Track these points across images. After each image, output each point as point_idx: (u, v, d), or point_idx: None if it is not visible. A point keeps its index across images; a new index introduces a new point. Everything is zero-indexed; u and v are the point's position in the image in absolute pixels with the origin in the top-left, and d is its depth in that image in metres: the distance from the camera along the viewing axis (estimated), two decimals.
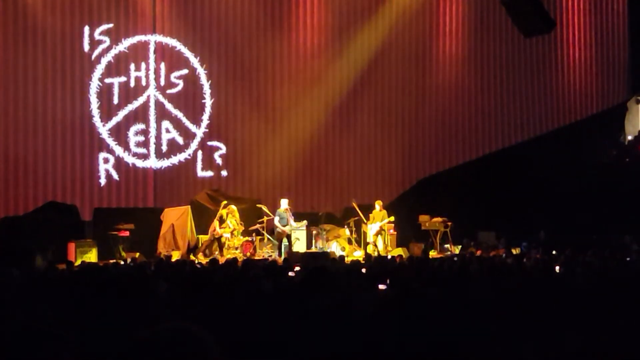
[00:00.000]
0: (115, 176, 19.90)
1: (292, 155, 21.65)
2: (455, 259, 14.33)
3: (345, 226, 19.90)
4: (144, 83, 20.24)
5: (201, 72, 20.84)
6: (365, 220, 19.19)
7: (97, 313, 5.72)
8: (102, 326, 5.10)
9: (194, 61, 20.78)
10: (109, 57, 19.90)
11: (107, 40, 19.87)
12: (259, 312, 5.78)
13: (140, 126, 20.19)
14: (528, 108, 24.37)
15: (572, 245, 15.25)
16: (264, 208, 19.06)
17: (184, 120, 20.59)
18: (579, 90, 25.17)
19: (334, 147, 22.28)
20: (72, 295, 7.06)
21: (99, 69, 19.80)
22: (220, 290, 7.16)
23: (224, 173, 21.08)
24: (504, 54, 24.11)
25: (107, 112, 19.90)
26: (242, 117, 21.32)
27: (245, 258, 15.88)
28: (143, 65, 20.25)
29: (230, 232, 18.41)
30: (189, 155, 20.68)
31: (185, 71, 20.69)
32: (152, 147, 20.26)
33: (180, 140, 20.56)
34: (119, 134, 19.98)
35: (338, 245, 19.42)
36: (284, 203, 18.71)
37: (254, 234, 19.03)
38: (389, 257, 15.45)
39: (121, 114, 20.01)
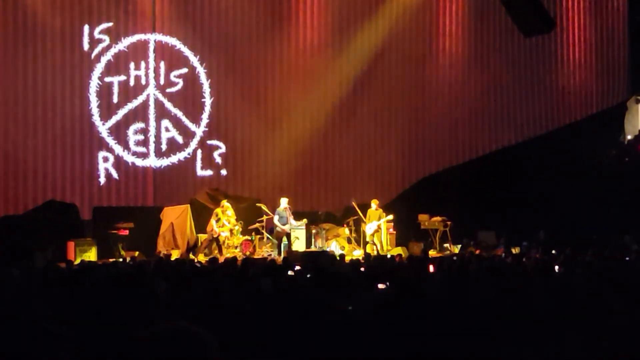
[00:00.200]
0: (115, 175, 19.89)
1: (291, 154, 21.64)
2: (455, 258, 14.34)
3: (345, 225, 19.91)
4: (143, 82, 20.23)
5: (201, 71, 20.83)
6: (365, 220, 19.19)
7: (96, 312, 5.71)
8: (101, 325, 5.09)
9: (194, 60, 20.77)
10: (108, 56, 19.89)
11: (106, 39, 19.86)
12: (259, 311, 5.77)
13: (140, 125, 20.18)
14: (528, 108, 24.36)
15: (571, 245, 15.25)
16: (264, 207, 19.06)
17: (184, 119, 20.59)
18: (579, 90, 25.16)
19: (334, 146, 22.27)
20: (71, 294, 7.06)
21: (99, 68, 19.79)
22: (220, 289, 7.16)
23: (224, 172, 21.07)
24: (503, 54, 24.09)
25: (107, 111, 19.89)
26: (242, 116, 21.31)
27: (244, 257, 15.87)
28: (143, 64, 20.24)
29: (229, 231, 18.41)
30: (189, 154, 20.67)
31: (184, 70, 20.68)
32: (152, 146, 20.25)
33: (179, 139, 20.55)
34: (119, 132, 19.97)
35: (337, 244, 19.43)
36: (284, 202, 18.71)
37: (253, 233, 19.03)
38: (389, 256, 15.44)
39: (121, 113, 19.99)
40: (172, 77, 20.53)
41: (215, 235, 18.14)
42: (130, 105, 20.07)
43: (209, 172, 20.93)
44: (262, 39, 21.52)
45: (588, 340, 4.67)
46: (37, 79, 19.23)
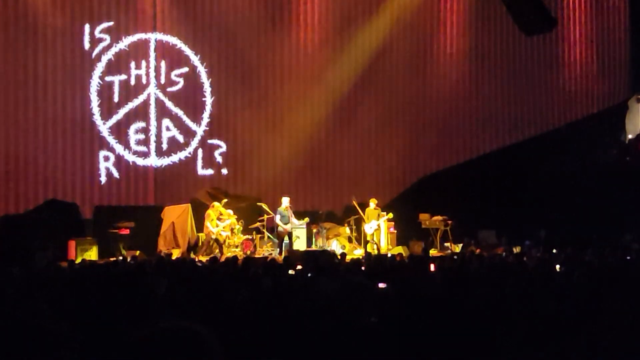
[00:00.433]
0: (116, 174, 19.90)
1: (292, 153, 21.62)
2: (455, 257, 14.35)
3: (346, 224, 19.92)
4: (144, 81, 20.23)
5: (202, 70, 20.83)
6: (365, 219, 19.20)
7: (97, 311, 5.72)
8: (102, 324, 5.10)
9: (195, 59, 20.77)
10: (109, 55, 19.89)
11: (107, 38, 19.86)
12: (259, 310, 5.78)
13: (141, 124, 20.18)
14: (529, 107, 24.34)
15: (572, 244, 15.25)
16: (264, 206, 19.06)
17: (185, 118, 20.59)
18: (580, 89, 25.14)
19: (335, 145, 22.25)
20: (72, 294, 7.06)
21: (100, 67, 19.79)
22: (221, 289, 7.16)
23: (225, 171, 21.06)
24: (505, 53, 24.08)
25: (108, 110, 19.90)
26: (243, 115, 21.30)
27: (245, 256, 15.87)
28: (143, 63, 20.25)
29: (229, 230, 18.42)
30: (190, 153, 20.67)
31: (185, 69, 20.68)
32: (153, 145, 20.26)
33: (180, 138, 20.55)
34: (120, 132, 19.97)
35: (338, 243, 19.44)
36: (285, 201, 18.70)
37: (254, 232, 19.04)
38: (389, 255, 15.44)
39: (121, 112, 20.00)
40: (172, 77, 20.53)
41: (213, 236, 18.13)
42: (131, 105, 20.07)
43: (209, 172, 20.93)
44: (263, 38, 21.51)
45: (588, 339, 4.67)
46: (37, 78, 19.24)
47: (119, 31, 19.99)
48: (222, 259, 13.86)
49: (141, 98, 20.17)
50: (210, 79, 20.91)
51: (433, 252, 18.81)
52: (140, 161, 20.17)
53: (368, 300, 4.03)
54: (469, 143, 23.73)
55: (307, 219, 19.16)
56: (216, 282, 8.24)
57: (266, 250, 18.74)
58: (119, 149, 19.94)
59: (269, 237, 19.12)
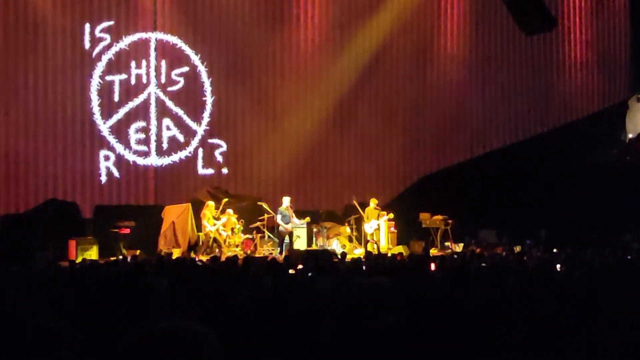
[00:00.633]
0: (116, 174, 19.90)
1: (292, 152, 21.63)
2: (456, 256, 14.35)
3: (346, 224, 19.92)
4: (144, 80, 20.24)
5: (202, 69, 20.83)
6: (365, 219, 19.20)
7: (97, 311, 5.72)
8: (102, 324, 5.10)
9: (195, 59, 20.77)
10: (109, 55, 19.90)
11: (107, 38, 19.87)
12: (260, 310, 5.77)
13: (141, 124, 20.18)
14: (529, 106, 24.33)
15: (572, 244, 15.25)
16: (265, 206, 19.07)
17: (185, 117, 20.59)
18: (580, 89, 25.13)
19: (335, 145, 22.25)
20: (72, 293, 7.06)
21: (100, 67, 19.80)
22: (221, 288, 7.16)
23: (225, 171, 21.07)
24: (505, 52, 24.08)
25: (108, 109, 19.90)
26: (243, 115, 21.31)
27: (245, 256, 15.86)
28: (144, 62, 20.25)
29: (230, 229, 18.41)
30: (190, 152, 20.67)
31: (186, 69, 20.68)
32: (153, 145, 20.26)
33: (181, 137, 20.55)
34: (120, 131, 19.98)
35: (339, 243, 19.44)
36: (286, 201, 18.71)
37: (254, 232, 19.04)
38: (389, 254, 15.44)
39: (122, 112, 20.00)
40: (173, 76, 20.53)
41: (211, 235, 18.12)
42: (131, 104, 20.08)
43: (210, 171, 20.93)
44: (264, 38, 21.51)
45: (588, 339, 4.67)
46: (38, 77, 19.24)
47: (119, 30, 20.00)
48: (223, 259, 13.85)
49: (141, 97, 20.17)
50: (210, 79, 20.91)
51: (433, 251, 18.81)
52: (140, 161, 20.18)
53: (386, 300, 4.03)
54: (469, 142, 23.72)
55: (307, 219, 19.16)
56: (216, 281, 8.23)
57: (267, 249, 18.73)
58: (120, 148, 19.94)
59: (269, 236, 19.12)
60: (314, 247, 18.96)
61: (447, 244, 20.01)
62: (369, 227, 19.11)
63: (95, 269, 10.80)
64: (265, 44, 21.54)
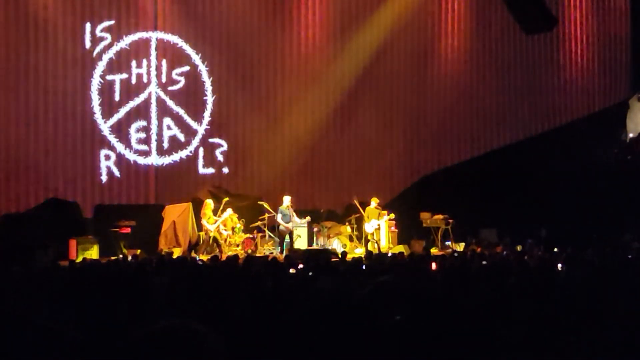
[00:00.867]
0: (117, 173, 19.90)
1: (293, 152, 21.63)
2: (456, 254, 14.34)
3: (347, 223, 19.92)
4: (145, 80, 20.24)
5: (203, 69, 20.83)
6: (366, 218, 19.21)
7: (98, 310, 5.72)
8: (103, 323, 5.10)
9: (196, 58, 20.77)
10: (110, 54, 19.90)
11: (108, 37, 19.87)
12: (260, 309, 5.77)
13: (142, 123, 20.18)
14: (529, 105, 24.32)
15: (573, 243, 15.23)
16: (265, 205, 19.07)
17: (186, 117, 20.59)
18: (581, 88, 25.11)
19: (336, 144, 22.25)
20: (73, 293, 7.06)
21: (100, 66, 19.80)
22: (222, 287, 7.16)
23: (226, 170, 21.06)
24: (505, 52, 24.06)
25: (109, 109, 19.91)
26: (244, 114, 21.31)
27: (246, 255, 15.87)
28: (144, 62, 20.25)
29: (231, 229, 18.42)
30: (191, 152, 20.67)
31: (186, 68, 20.68)
32: (154, 144, 20.26)
33: (181, 137, 20.55)
34: (120, 131, 19.98)
35: (339, 242, 19.44)
36: (287, 200, 18.73)
37: (255, 231, 19.04)
38: (390, 254, 15.43)
39: (122, 111, 20.01)
40: (174, 75, 20.53)
41: (210, 234, 18.13)
42: (132, 104, 20.08)
43: (210, 170, 20.93)
44: (264, 37, 21.51)
45: (588, 339, 4.67)
46: (38, 76, 19.24)
47: (120, 30, 20.00)
48: (223, 258, 13.86)
49: (142, 97, 20.17)
50: (211, 78, 20.91)
51: (434, 250, 18.81)
52: (141, 160, 20.18)
53: (395, 299, 4.03)
54: (469, 142, 23.71)
55: (308, 218, 19.18)
56: (217, 281, 8.24)
57: (267, 249, 18.74)
58: (120, 147, 19.94)
59: (270, 235, 19.13)
60: (314, 246, 18.97)
61: (448, 243, 20.01)
62: (369, 226, 19.11)
63: (96, 268, 10.81)
64: (266, 43, 21.54)
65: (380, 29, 22.52)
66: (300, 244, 18.72)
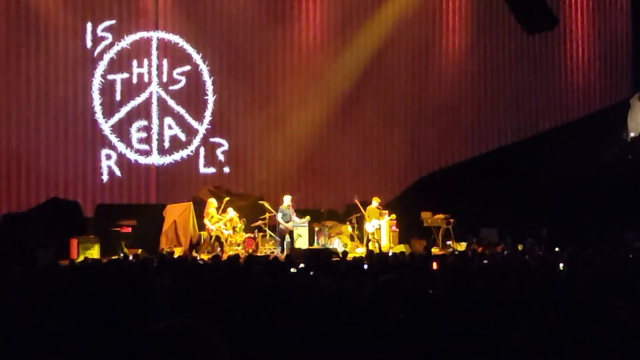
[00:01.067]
0: (118, 172, 19.92)
1: (294, 151, 21.62)
2: (457, 253, 14.34)
3: (348, 223, 19.92)
4: (146, 79, 20.25)
5: (204, 68, 20.84)
6: (367, 218, 19.20)
7: (99, 310, 5.72)
8: (104, 323, 5.10)
9: (197, 58, 20.78)
10: (111, 54, 19.91)
11: (109, 37, 19.88)
12: (261, 308, 5.78)
13: (143, 123, 20.20)
14: (530, 105, 24.32)
15: (574, 242, 15.22)
16: (266, 204, 19.07)
17: (187, 116, 20.60)
18: (582, 87, 25.11)
19: (337, 144, 22.24)
20: (73, 292, 7.06)
21: (102, 66, 19.82)
22: (223, 287, 7.16)
23: (226, 170, 21.07)
24: (506, 51, 24.06)
25: (110, 108, 19.92)
26: (245, 114, 21.31)
27: (247, 254, 15.87)
28: (145, 61, 20.26)
29: (232, 228, 18.42)
30: (191, 151, 20.68)
31: (187, 68, 20.69)
32: (155, 144, 20.27)
33: (182, 136, 20.56)
34: (121, 130, 19.99)
35: (340, 241, 19.43)
36: (287, 200, 18.74)
37: (256, 231, 19.04)
38: (391, 253, 15.44)
39: (123, 111, 20.02)
40: (175, 75, 20.54)
41: (212, 234, 18.13)
42: (133, 103, 20.09)
43: (211, 170, 20.94)
44: (265, 36, 21.51)
45: (589, 339, 4.66)
46: (39, 76, 19.26)
47: (121, 29, 20.01)
48: (224, 257, 13.86)
49: (143, 96, 20.19)
50: (212, 78, 20.92)
51: (435, 250, 18.80)
52: (142, 159, 20.19)
53: (396, 299, 4.03)
54: (470, 141, 23.71)
55: (308, 217, 19.19)
56: (218, 280, 8.24)
57: (268, 248, 18.74)
58: (121, 147, 19.95)
59: (270, 235, 19.13)
60: (315, 246, 18.97)
61: (449, 242, 20.00)
62: (370, 226, 19.11)
63: (97, 268, 10.82)
64: (267, 42, 21.54)
65: (382, 28, 22.52)
66: (301, 243, 18.72)
